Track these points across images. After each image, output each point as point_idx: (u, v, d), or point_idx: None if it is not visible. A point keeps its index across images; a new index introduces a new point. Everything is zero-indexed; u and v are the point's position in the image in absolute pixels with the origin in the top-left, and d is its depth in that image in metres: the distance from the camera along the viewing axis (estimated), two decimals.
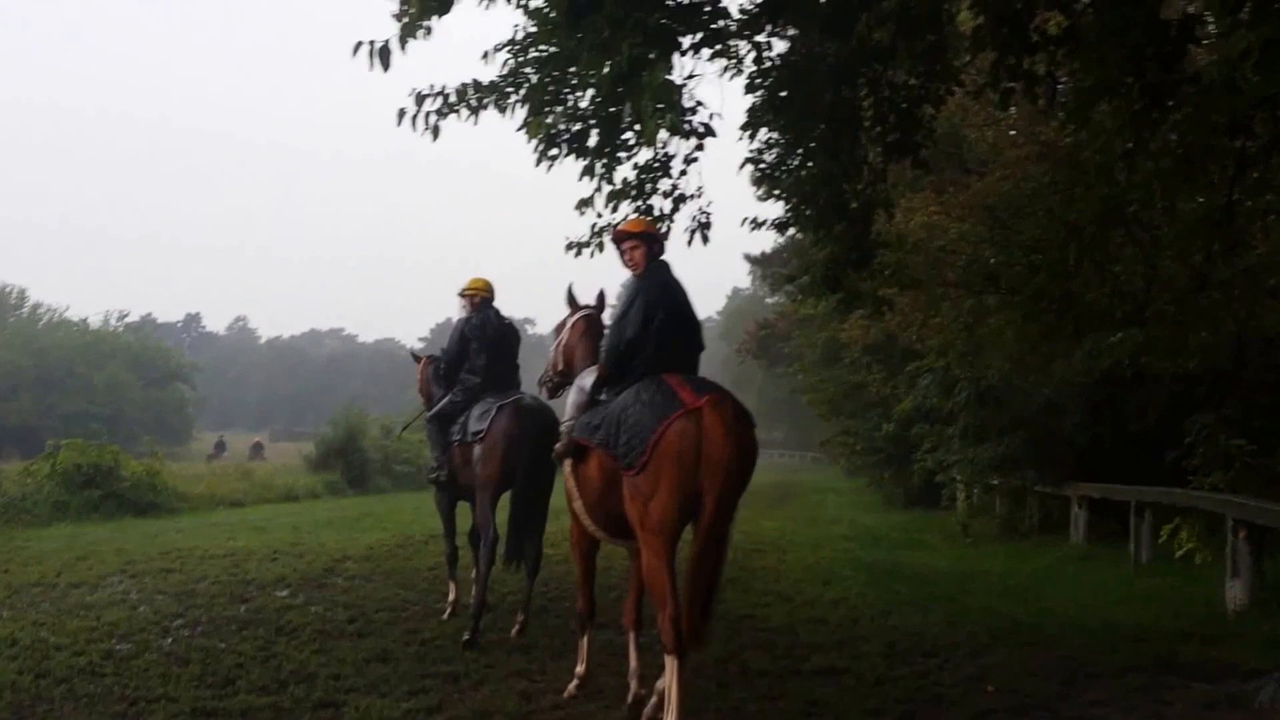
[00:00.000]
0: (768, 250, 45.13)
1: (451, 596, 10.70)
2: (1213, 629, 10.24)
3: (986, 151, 17.48)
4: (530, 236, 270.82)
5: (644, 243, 7.53)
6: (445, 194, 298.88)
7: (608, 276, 8.76)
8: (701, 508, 6.27)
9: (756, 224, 12.41)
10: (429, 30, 7.03)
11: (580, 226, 11.38)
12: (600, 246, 11.14)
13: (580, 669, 7.68)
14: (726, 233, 11.25)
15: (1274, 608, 10.48)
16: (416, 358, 12.04)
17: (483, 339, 10.49)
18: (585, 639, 7.78)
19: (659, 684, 6.78)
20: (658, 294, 7.19)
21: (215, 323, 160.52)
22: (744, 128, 11.37)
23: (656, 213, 11.12)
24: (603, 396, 7.35)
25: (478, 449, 9.84)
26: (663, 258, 7.58)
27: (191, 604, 11.18)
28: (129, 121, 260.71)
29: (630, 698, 7.17)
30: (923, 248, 17.22)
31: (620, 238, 7.70)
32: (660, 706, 6.55)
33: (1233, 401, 14.01)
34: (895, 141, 10.91)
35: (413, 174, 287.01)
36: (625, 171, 10.91)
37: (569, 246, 11.28)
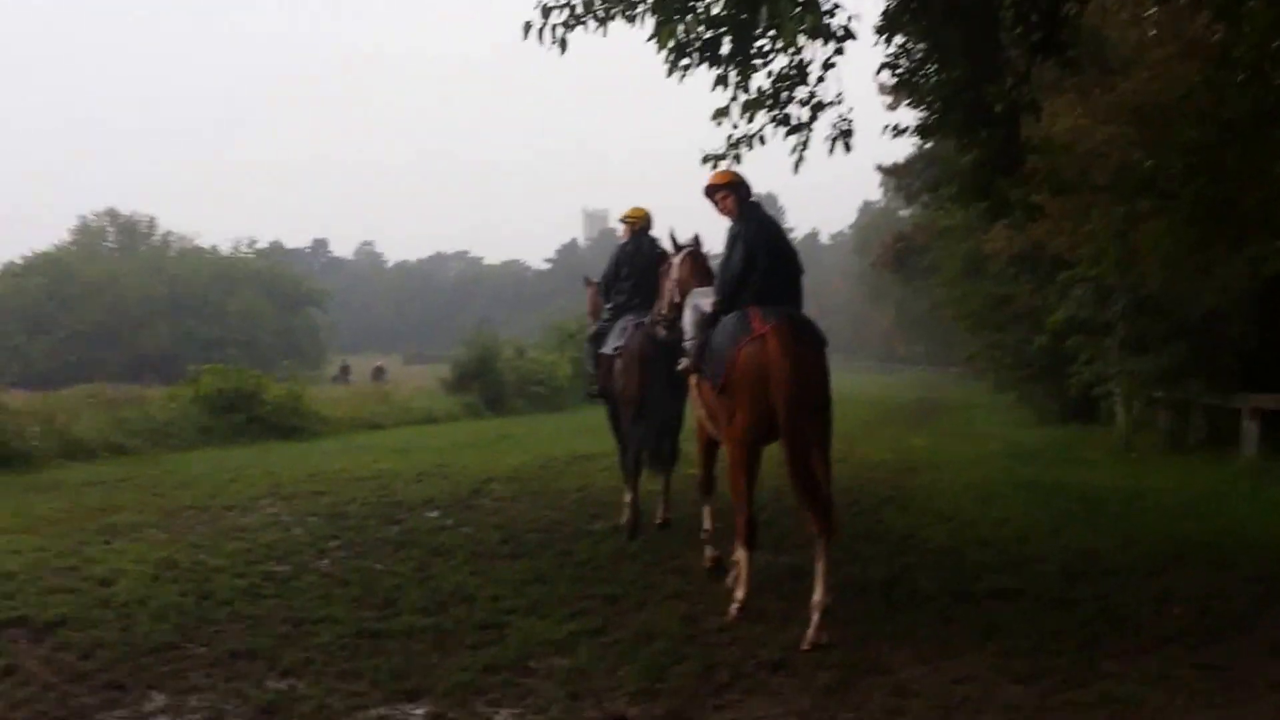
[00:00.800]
0: (900, 160, 43.84)
1: (627, 499, 10.96)
2: None
3: (1130, 51, 16.66)
4: (659, 153, 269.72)
5: (732, 191, 8.45)
6: (572, 112, 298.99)
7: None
8: (777, 419, 7.18)
9: (898, 131, 11.85)
10: None
11: (716, 139, 10.90)
12: (737, 158, 10.71)
13: (740, 593, 7.63)
14: (855, 143, 10.78)
15: None
16: (588, 282, 12.84)
17: (633, 264, 11.31)
18: (746, 562, 7.67)
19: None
20: (754, 235, 8.08)
21: (342, 248, 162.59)
22: (879, 31, 10.90)
23: (794, 121, 10.55)
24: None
25: (618, 364, 10.75)
26: (752, 199, 8.51)
27: (344, 525, 11.21)
28: (253, 42, 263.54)
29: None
30: (1070, 152, 16.57)
31: (710, 191, 8.60)
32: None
33: None
34: (1040, 41, 10.37)
35: (538, 94, 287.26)
36: (759, 80, 10.39)
37: (705, 159, 10.86)
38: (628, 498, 10.86)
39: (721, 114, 10.39)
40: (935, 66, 10.96)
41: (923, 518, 11.74)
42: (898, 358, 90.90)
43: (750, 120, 10.41)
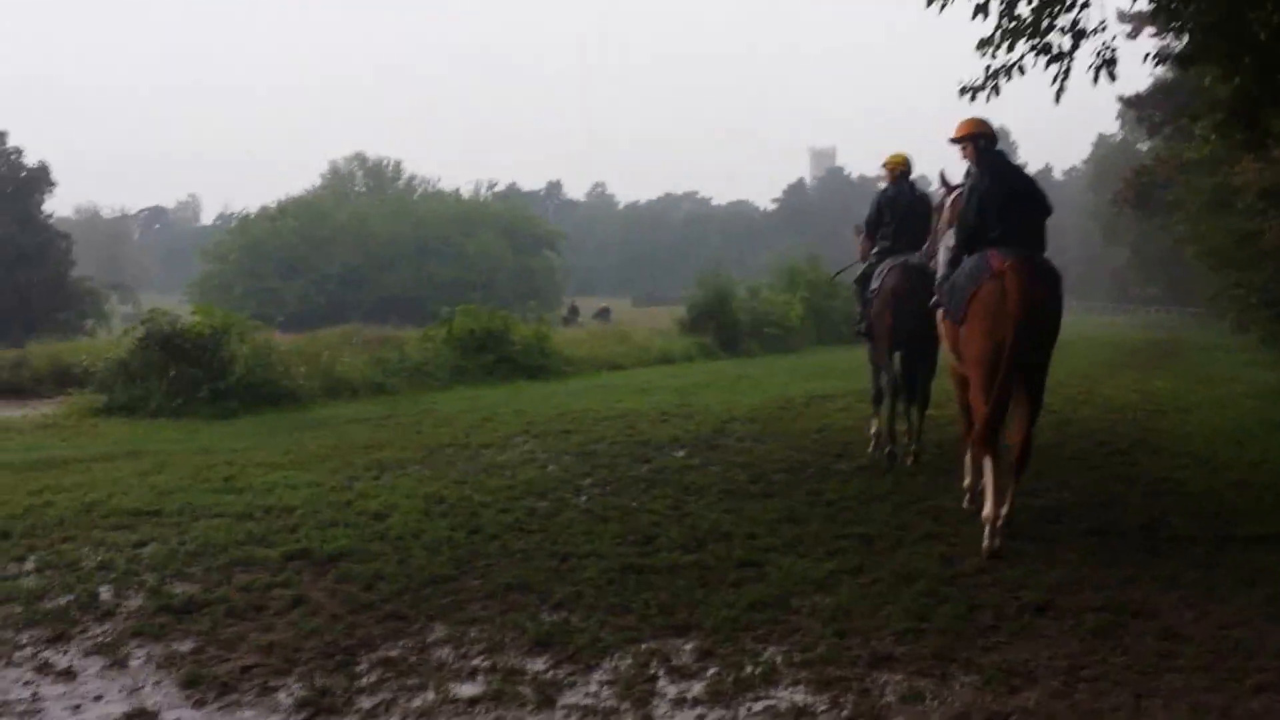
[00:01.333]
0: (1142, 91, 42.10)
1: (872, 430, 11.89)
2: None
3: None
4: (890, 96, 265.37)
5: (971, 141, 8.78)
6: (801, 55, 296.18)
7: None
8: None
9: (1160, 59, 11.52)
10: None
11: (973, 69, 10.77)
12: (996, 89, 10.62)
13: (968, 480, 9.08)
14: (1088, 77, 10.55)
15: None
16: (857, 230, 12.92)
17: (895, 209, 11.65)
18: (969, 457, 9.01)
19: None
20: (991, 184, 8.45)
21: (575, 189, 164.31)
22: None
23: (1055, 50, 10.45)
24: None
25: (875, 303, 11.37)
26: (998, 148, 8.90)
27: (596, 464, 11.57)
28: None
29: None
30: None
31: (955, 140, 8.93)
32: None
33: None
34: None
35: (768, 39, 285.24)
36: (1022, 7, 10.32)
37: (962, 91, 10.80)
38: (872, 429, 11.83)
39: (986, 43, 10.35)
40: None
41: (1176, 460, 11.56)
42: (1130, 298, 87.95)
43: (1010, 49, 10.35)
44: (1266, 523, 8.42)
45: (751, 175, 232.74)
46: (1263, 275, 27.03)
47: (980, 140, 8.76)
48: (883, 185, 12.48)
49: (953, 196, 9.54)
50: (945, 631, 5.96)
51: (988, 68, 10.53)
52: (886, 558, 7.51)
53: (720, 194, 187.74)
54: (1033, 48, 10.39)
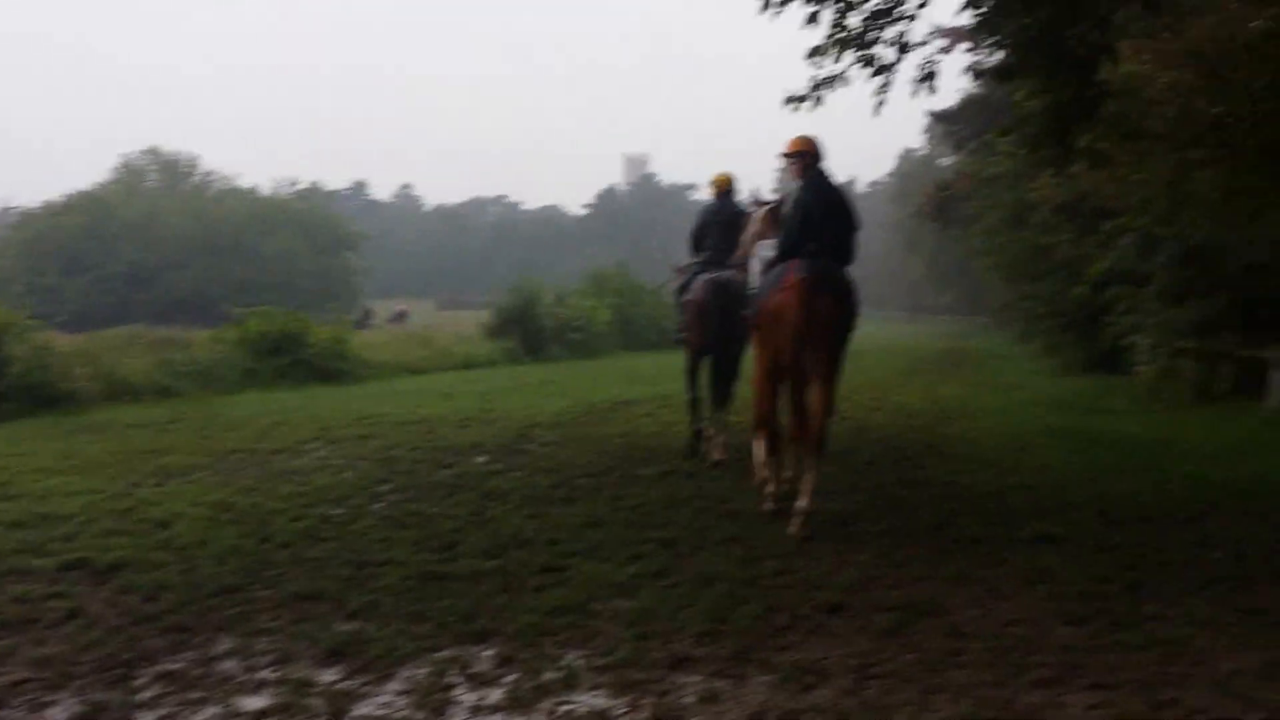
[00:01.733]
0: (952, 106, 42.98)
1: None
2: None
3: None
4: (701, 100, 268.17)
5: (798, 159, 9.35)
6: (614, 61, 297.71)
7: None
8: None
9: (976, 73, 11.71)
10: None
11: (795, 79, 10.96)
12: (819, 100, 10.76)
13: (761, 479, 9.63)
14: (899, 93, 10.90)
15: None
16: (677, 270, 13.71)
17: (717, 224, 12.36)
18: (759, 449, 9.70)
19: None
20: (811, 198, 9.15)
21: (381, 190, 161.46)
22: None
23: (878, 63, 10.67)
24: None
25: (687, 314, 12.18)
26: (820, 165, 9.37)
27: (395, 469, 11.34)
28: None
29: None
30: (1133, 98, 16.49)
31: (785, 156, 9.50)
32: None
33: None
34: None
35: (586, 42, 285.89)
36: (851, 19, 10.49)
37: (787, 100, 10.90)
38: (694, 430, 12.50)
39: (818, 52, 10.46)
40: (1020, 6, 10.92)
41: (965, 465, 11.93)
42: (924, 307, 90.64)
43: (837, 60, 10.48)
44: (1047, 523, 8.74)
45: (563, 181, 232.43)
46: (1051, 287, 27.99)
47: (807, 157, 9.32)
48: (706, 200, 13.26)
49: (762, 211, 10.58)
50: (743, 632, 6.02)
51: (813, 77, 10.66)
52: (688, 561, 7.54)
53: (531, 199, 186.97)
54: (859, 59, 10.54)
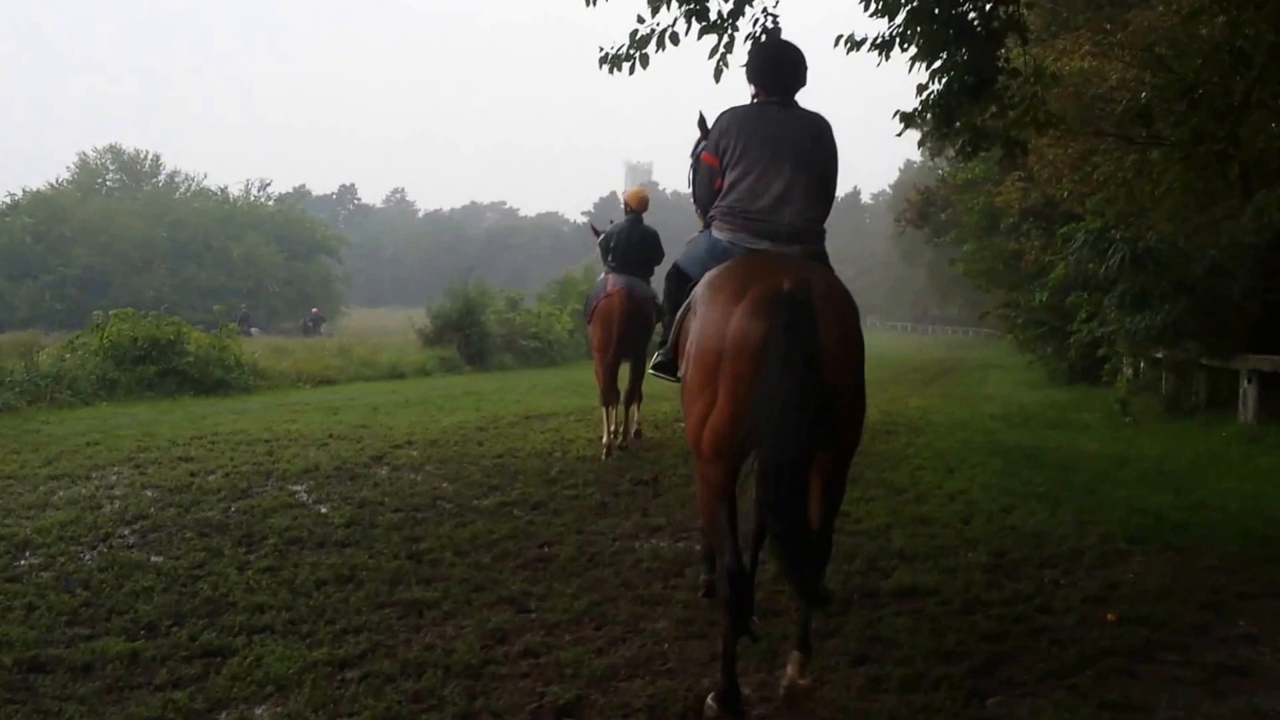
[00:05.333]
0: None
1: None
2: None
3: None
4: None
5: (628, 206, 13.31)
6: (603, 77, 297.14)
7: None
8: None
9: (853, 44, 10.32)
10: None
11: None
12: (644, 60, 9.48)
13: (604, 439, 13.02)
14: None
15: None
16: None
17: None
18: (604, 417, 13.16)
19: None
20: (623, 231, 13.07)
21: (372, 195, 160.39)
22: None
23: (714, 16, 9.41)
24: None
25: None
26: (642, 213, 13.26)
27: (171, 502, 9.71)
28: None
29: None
30: (1080, 95, 15.28)
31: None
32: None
33: None
34: None
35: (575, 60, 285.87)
36: None
37: (602, 61, 9.63)
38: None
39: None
40: None
41: (870, 490, 10.56)
42: (931, 318, 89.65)
43: (655, 12, 9.24)
44: (921, 570, 7.46)
45: (564, 189, 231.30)
46: (1026, 295, 26.77)
47: (631, 206, 13.29)
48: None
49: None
50: None
51: (633, 33, 9.37)
52: (417, 636, 6.01)
53: (530, 205, 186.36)
54: (688, 10, 9.26)
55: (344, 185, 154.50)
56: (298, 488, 10.71)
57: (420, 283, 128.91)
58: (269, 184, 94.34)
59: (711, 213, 5.91)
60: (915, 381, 27.85)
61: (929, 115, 10.52)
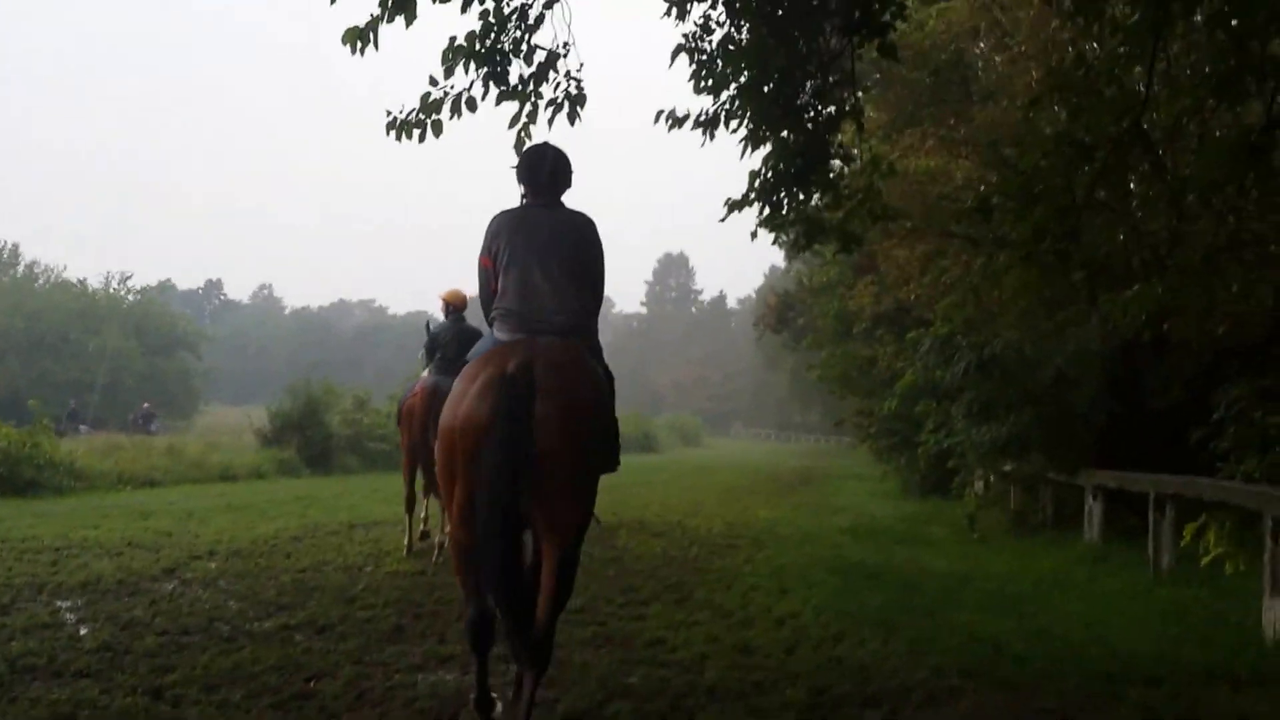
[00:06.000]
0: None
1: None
2: (1247, 665, 7.90)
3: (995, 81, 15.10)
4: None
5: (447, 304, 13.35)
6: (474, 163, 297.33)
7: None
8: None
9: (675, 121, 9.75)
10: None
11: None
12: (437, 128, 8.80)
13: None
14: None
15: None
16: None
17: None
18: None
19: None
20: (443, 332, 13.12)
21: (239, 290, 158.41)
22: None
23: (514, 81, 8.80)
24: None
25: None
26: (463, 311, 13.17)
27: None
28: (133, 71, 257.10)
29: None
30: (925, 194, 14.95)
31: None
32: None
33: (1273, 373, 11.45)
34: (858, 19, 8.87)
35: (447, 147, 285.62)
36: (470, 22, 8.65)
37: (390, 126, 8.92)
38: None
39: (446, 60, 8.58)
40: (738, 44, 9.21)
41: (697, 613, 9.75)
42: (794, 425, 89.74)
43: (449, 74, 8.58)
44: (722, 715, 6.61)
45: (435, 282, 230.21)
46: (880, 402, 26.34)
47: (451, 305, 13.30)
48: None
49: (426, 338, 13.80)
50: None
51: (425, 95, 8.69)
52: None
53: (397, 302, 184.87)
54: (484, 75, 8.62)
55: (210, 280, 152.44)
56: (65, 604, 9.60)
57: (285, 380, 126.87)
58: (129, 276, 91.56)
59: (492, 314, 6.28)
60: (769, 491, 27.30)
61: (758, 202, 10.04)
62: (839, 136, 9.99)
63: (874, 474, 32.47)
